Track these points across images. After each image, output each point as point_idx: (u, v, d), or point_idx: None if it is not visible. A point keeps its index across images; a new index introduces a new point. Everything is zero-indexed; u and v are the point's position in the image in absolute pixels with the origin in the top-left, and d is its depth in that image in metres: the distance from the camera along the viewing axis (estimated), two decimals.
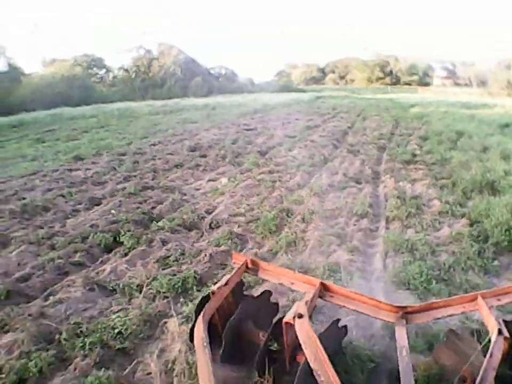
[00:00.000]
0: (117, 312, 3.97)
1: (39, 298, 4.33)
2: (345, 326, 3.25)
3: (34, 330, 3.65)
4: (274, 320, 2.97)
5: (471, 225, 5.90)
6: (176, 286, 4.41)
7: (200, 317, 2.85)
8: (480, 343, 2.79)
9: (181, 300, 4.22)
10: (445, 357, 2.98)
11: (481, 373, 2.24)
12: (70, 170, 10.38)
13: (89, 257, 5.32)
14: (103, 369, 3.24)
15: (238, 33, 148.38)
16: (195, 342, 2.72)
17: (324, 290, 3.07)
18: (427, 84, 74.06)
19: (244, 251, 5.22)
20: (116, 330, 3.70)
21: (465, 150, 10.77)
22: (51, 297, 4.28)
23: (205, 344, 2.62)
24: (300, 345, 2.52)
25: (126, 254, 5.31)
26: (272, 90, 51.14)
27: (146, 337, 3.72)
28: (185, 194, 7.89)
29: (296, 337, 2.56)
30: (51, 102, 30.69)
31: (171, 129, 17.41)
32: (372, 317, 2.96)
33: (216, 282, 3.36)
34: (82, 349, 3.48)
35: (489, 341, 2.49)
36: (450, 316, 2.97)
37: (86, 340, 3.54)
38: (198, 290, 4.38)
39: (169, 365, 3.27)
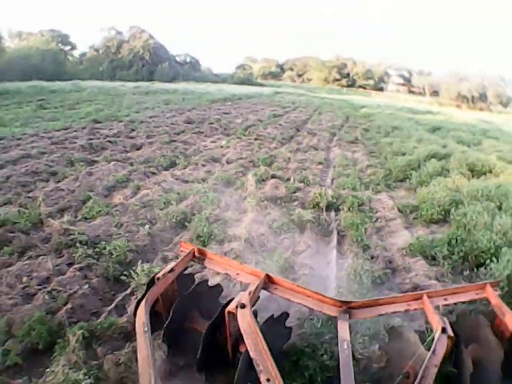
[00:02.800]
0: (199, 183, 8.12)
1: (148, 180, 8.45)
2: (285, 312, 3.55)
3: (160, 188, 7.71)
4: (218, 309, 3.09)
5: (385, 171, 10.41)
6: (224, 178, 8.60)
7: (142, 302, 2.98)
8: (424, 342, 2.98)
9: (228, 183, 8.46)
10: (389, 353, 3.24)
11: (422, 369, 2.48)
12: (96, 128, 13.86)
13: (160, 169, 9.43)
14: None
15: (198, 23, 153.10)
16: (136, 326, 2.82)
17: (268, 282, 3.33)
18: (381, 89, 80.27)
19: (252, 171, 9.46)
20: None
21: (394, 137, 15.45)
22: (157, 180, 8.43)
23: (146, 329, 2.72)
24: (242, 335, 2.72)
25: (184, 168, 9.50)
26: (234, 82, 55.71)
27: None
28: (199, 148, 12.01)
29: (239, 326, 2.77)
30: (25, 74, 33.41)
31: (157, 108, 21.18)
32: (315, 311, 3.23)
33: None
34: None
35: (433, 339, 2.74)
36: (394, 313, 3.23)
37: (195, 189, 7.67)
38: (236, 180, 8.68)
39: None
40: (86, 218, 6.39)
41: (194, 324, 3.36)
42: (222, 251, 5.08)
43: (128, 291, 4.43)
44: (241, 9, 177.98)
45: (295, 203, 7.40)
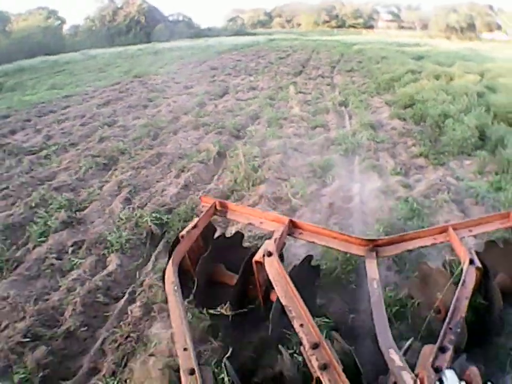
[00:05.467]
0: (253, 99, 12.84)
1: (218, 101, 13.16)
2: (316, 266, 3.82)
3: (230, 103, 12.41)
4: (245, 259, 3.23)
5: (376, 85, 15.08)
6: (267, 95, 13.28)
7: (170, 261, 3.16)
8: (453, 274, 3.19)
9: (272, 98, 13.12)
10: (418, 288, 3.51)
11: (453, 302, 2.57)
12: (142, 81, 18.14)
13: (219, 97, 14.10)
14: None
15: None
16: (166, 286, 3.03)
17: (293, 227, 3.45)
18: (371, 27, 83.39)
19: (288, 88, 14.16)
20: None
21: (382, 64, 20.07)
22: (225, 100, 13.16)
23: (176, 288, 2.89)
24: (271, 283, 2.85)
25: (236, 94, 14.14)
26: (228, 34, 59.77)
27: None
28: (235, 83, 16.56)
29: (268, 275, 2.91)
30: (29, 52, 36.75)
31: (175, 63, 25.26)
32: (342, 252, 3.54)
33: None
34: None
35: (462, 271, 2.90)
36: (421, 247, 3.44)
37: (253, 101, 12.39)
38: (275, 96, 13.32)
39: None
40: (197, 117, 11.02)
41: (223, 278, 3.53)
42: (289, 120, 9.96)
43: (243, 140, 9.12)
44: None
45: (319, 103, 12.15)
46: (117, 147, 8.62)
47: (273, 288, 2.85)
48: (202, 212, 3.72)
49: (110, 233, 5.17)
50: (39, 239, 5.25)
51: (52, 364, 3.38)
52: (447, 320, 2.45)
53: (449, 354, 2.26)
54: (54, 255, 4.86)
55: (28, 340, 3.53)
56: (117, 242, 4.98)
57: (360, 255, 3.25)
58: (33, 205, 6.13)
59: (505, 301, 3.01)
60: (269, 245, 3.06)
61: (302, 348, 2.41)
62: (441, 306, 3.04)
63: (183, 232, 3.36)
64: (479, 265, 2.91)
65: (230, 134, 9.33)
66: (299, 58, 24.90)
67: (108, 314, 3.98)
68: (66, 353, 3.54)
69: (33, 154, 8.77)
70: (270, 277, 2.86)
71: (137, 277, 4.50)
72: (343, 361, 2.33)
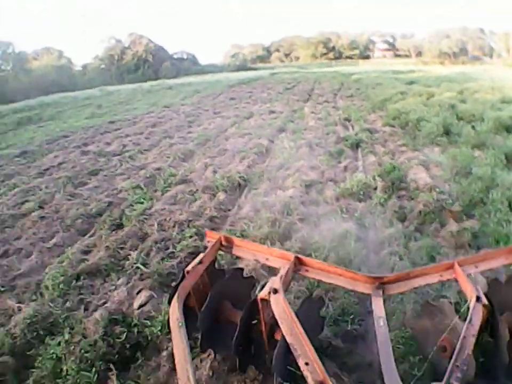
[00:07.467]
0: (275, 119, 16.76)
1: (248, 120, 17.07)
2: (321, 298, 4.06)
3: (259, 122, 16.36)
4: (251, 298, 3.39)
5: (371, 105, 19.01)
6: (286, 116, 17.20)
7: (174, 297, 3.28)
8: (458, 312, 3.27)
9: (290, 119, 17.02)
10: (424, 327, 3.51)
11: (460, 340, 2.61)
12: (173, 110, 22.04)
13: (245, 118, 18.00)
14: None
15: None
16: (170, 322, 3.11)
17: (299, 264, 3.56)
18: (368, 57, 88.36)
19: (302, 109, 18.09)
20: None
21: (377, 89, 24.13)
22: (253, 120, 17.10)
23: (180, 324, 3.00)
24: (277, 321, 2.95)
25: (260, 115, 18.08)
26: (231, 69, 64.78)
27: None
28: (256, 109, 20.43)
29: (273, 313, 3.01)
30: (45, 90, 41.21)
31: (194, 96, 29.20)
32: (348, 290, 3.61)
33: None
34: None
35: (468, 308, 2.96)
36: (427, 284, 3.57)
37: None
38: (293, 116, 17.24)
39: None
40: (238, 130, 14.82)
41: (228, 316, 3.63)
42: (308, 129, 13.89)
43: (278, 141, 12.96)
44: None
45: (328, 119, 16.03)
46: (187, 148, 12.50)
47: (278, 326, 2.96)
48: (207, 247, 4.00)
49: (214, 183, 9.01)
50: (165, 189, 9.13)
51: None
52: (453, 357, 2.51)
53: None
54: (181, 195, 8.63)
55: (189, 220, 7.29)
56: (221, 186, 8.81)
57: (367, 293, 3.35)
58: (147, 175, 10.03)
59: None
60: (275, 282, 3.18)
61: None
62: (447, 344, 3.10)
63: (188, 268, 3.55)
64: (486, 302, 2.95)
65: (268, 139, 13.10)
66: (304, 89, 29.10)
67: (227, 214, 7.81)
68: (212, 228, 7.07)
69: (118, 155, 12.38)
70: (276, 315, 2.98)
71: (236, 202, 8.31)
72: None
